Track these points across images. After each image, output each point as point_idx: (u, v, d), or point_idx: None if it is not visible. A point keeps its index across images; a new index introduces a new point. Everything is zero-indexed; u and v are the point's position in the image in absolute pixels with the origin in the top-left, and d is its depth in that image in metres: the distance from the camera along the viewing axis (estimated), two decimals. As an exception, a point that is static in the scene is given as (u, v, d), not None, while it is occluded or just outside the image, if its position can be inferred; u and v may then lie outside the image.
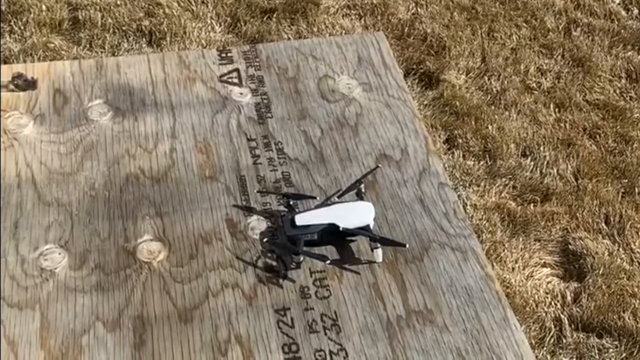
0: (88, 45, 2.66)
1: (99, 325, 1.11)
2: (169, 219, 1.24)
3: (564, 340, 2.03)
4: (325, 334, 1.12)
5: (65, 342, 1.09)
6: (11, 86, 1.42)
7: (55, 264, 1.17)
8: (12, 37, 2.66)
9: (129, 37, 2.70)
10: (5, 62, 2.51)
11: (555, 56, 2.83)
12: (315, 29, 2.80)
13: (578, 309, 2.09)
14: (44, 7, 2.75)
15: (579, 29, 2.95)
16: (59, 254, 1.19)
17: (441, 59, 2.75)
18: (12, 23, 2.69)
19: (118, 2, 2.81)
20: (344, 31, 2.80)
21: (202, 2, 2.85)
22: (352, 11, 2.92)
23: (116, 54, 2.62)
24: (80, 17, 2.74)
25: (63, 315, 1.12)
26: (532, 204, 2.33)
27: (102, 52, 2.63)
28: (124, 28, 2.72)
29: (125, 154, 1.33)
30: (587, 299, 2.10)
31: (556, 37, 2.90)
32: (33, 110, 1.39)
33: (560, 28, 2.95)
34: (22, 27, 2.68)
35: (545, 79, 2.74)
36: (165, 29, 2.72)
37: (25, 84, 1.42)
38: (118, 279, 1.16)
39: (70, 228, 1.22)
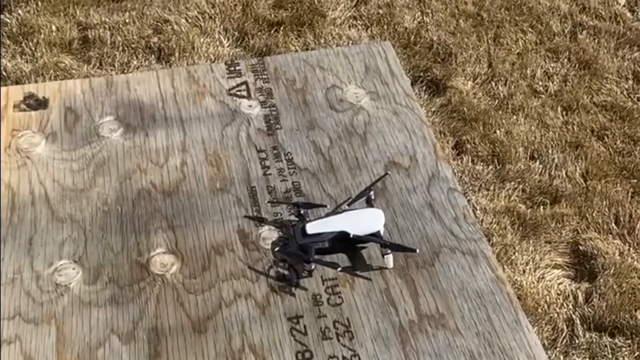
0: (98, 64, 2.68)
1: (114, 338, 1.12)
2: (181, 232, 1.26)
3: (577, 341, 2.03)
4: (339, 340, 1.13)
5: (81, 355, 1.10)
6: (23, 106, 1.44)
7: (69, 279, 1.19)
8: (24, 58, 2.68)
9: (138, 54, 2.72)
10: (17, 83, 2.54)
11: (561, 59, 2.83)
12: (322, 40, 2.81)
13: (590, 309, 2.09)
14: (54, 28, 2.78)
15: (584, 31, 2.95)
16: (73, 269, 1.20)
17: (448, 65, 2.76)
18: (23, 44, 2.72)
19: (127, 21, 2.83)
20: (350, 41, 2.82)
21: (210, 17, 2.87)
22: (359, 22, 2.93)
23: (126, 71, 2.64)
24: (89, 36, 2.77)
25: (78, 329, 1.13)
26: (541, 207, 2.34)
27: (112, 70, 2.66)
28: (133, 45, 2.75)
29: (136, 169, 1.35)
30: (599, 299, 2.10)
31: (562, 41, 2.91)
32: (45, 129, 1.41)
33: (566, 31, 2.95)
34: (33, 48, 2.70)
35: (552, 82, 2.74)
36: (174, 45, 2.74)
37: (37, 103, 1.44)
38: (132, 292, 1.18)
39: (84, 243, 1.24)
